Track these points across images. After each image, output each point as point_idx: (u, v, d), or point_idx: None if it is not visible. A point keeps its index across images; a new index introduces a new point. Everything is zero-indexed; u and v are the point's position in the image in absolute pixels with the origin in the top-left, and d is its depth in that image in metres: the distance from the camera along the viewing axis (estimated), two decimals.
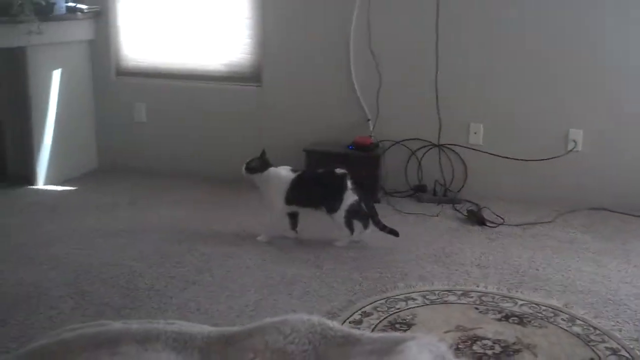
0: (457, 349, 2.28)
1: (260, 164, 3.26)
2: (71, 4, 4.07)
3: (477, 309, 2.60)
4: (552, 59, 3.78)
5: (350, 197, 3.18)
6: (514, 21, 3.79)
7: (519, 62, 3.83)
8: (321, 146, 4.03)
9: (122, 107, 4.49)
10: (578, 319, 2.52)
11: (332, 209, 3.19)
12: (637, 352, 2.29)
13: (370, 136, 4.01)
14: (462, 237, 3.39)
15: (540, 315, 2.55)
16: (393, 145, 4.05)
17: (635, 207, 3.72)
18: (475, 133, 3.95)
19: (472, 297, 2.70)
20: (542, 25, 3.76)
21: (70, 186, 4.15)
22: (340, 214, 3.19)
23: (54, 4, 3.87)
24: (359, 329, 2.36)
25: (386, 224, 3.24)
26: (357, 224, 3.26)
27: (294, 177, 3.25)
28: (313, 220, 3.31)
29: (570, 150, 3.82)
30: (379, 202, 3.88)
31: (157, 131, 4.45)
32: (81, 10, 4.12)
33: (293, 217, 3.32)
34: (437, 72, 3.89)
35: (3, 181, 4.12)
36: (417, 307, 2.61)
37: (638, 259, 3.14)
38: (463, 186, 3.99)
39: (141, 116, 4.48)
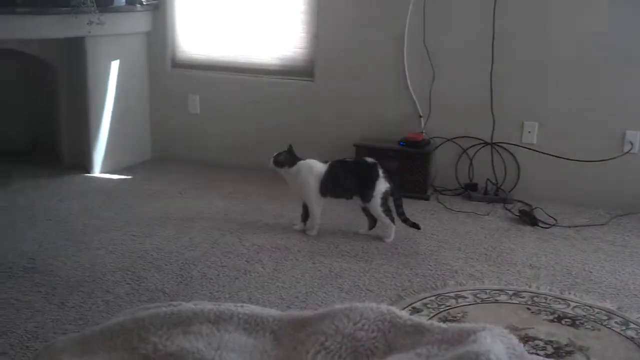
0: None
1: (288, 158, 3.25)
2: None
3: (529, 309, 2.57)
4: (610, 58, 3.69)
5: (382, 185, 3.17)
6: (572, 19, 3.72)
7: (576, 61, 3.75)
8: (372, 141, 4.02)
9: (176, 98, 4.56)
10: (632, 323, 2.47)
11: (366, 197, 3.18)
12: None
13: (422, 132, 3.99)
14: (513, 237, 3.35)
15: (593, 317, 2.51)
16: (445, 142, 4.02)
17: None
18: (529, 132, 3.90)
19: (523, 297, 2.67)
20: (601, 24, 3.67)
21: (125, 175, 4.24)
22: (376, 202, 3.17)
23: None
24: None
25: (432, 220, 3.23)
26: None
27: (327, 168, 3.24)
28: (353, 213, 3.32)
29: (627, 152, 3.73)
30: (428, 199, 3.87)
31: (210, 123, 4.52)
32: (140, 2, 4.20)
33: (305, 209, 3.32)
34: (492, 69, 3.84)
35: (61, 169, 4.24)
36: (468, 305, 2.59)
37: None
38: (515, 186, 3.94)
39: (195, 108, 4.55)
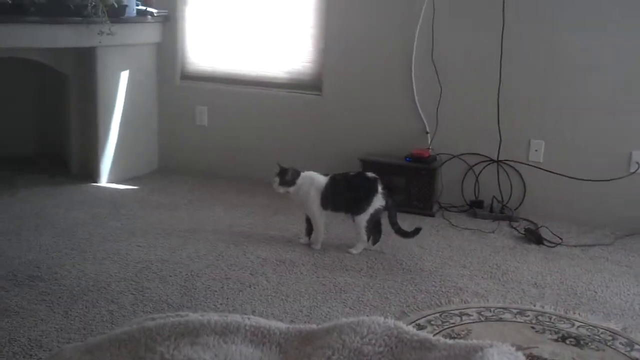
0: None
1: (293, 174, 3.21)
2: (141, 8, 4.18)
3: (533, 328, 2.56)
4: (617, 77, 3.70)
5: (378, 202, 3.18)
6: (579, 39, 3.73)
7: (583, 80, 3.76)
8: (378, 156, 4.03)
9: (184, 110, 4.59)
10: (636, 344, 2.46)
11: (357, 210, 3.18)
12: None
13: (429, 149, 4.00)
14: (518, 255, 3.34)
15: (597, 338, 2.50)
16: (451, 159, 4.02)
17: None
18: (536, 150, 3.90)
19: (528, 315, 2.66)
20: (608, 44, 3.69)
21: (132, 185, 4.26)
22: (364, 217, 3.18)
23: (125, 6, 3.99)
24: None
25: (437, 237, 3.22)
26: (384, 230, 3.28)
27: (327, 181, 3.24)
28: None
29: (634, 172, 3.73)
30: (433, 215, 3.87)
31: (217, 135, 4.54)
32: (151, 13, 4.23)
33: (309, 222, 3.32)
34: (499, 87, 3.85)
35: (68, 178, 4.26)
36: (472, 323, 2.59)
37: None
38: (521, 204, 3.94)
39: (203, 119, 4.57)
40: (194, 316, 1.45)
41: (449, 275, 3.05)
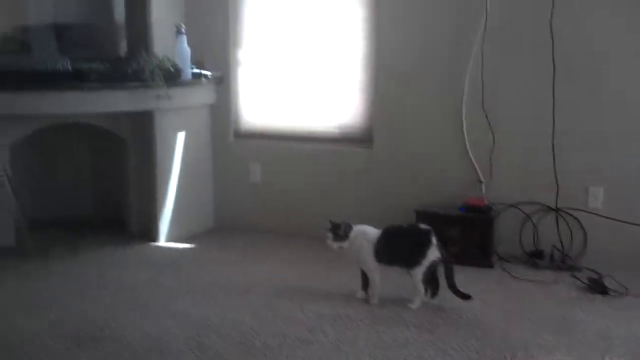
0: None
1: (345, 229, 3.21)
2: (196, 71, 4.32)
3: None
4: None
5: (433, 254, 3.13)
6: (635, 80, 3.68)
7: None
8: (432, 207, 4.00)
9: (238, 167, 4.67)
10: None
11: (412, 263, 3.13)
12: None
13: (484, 198, 3.95)
14: (583, 307, 3.23)
15: None
16: (507, 208, 3.96)
17: None
18: (594, 197, 3.81)
19: None
20: None
21: (189, 243, 4.32)
22: (420, 270, 3.13)
23: (181, 70, 4.12)
24: None
25: (497, 289, 3.15)
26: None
27: (380, 234, 3.22)
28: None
29: None
30: (492, 267, 3.80)
31: (271, 191, 4.59)
32: (205, 76, 4.36)
33: (365, 276, 3.29)
34: (553, 133, 3.81)
35: (127, 238, 4.35)
36: None
37: None
38: (582, 253, 3.83)
39: (256, 176, 4.64)
40: None
41: (513, 329, 2.97)
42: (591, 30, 3.74)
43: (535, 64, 3.86)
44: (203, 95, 4.49)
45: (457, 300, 3.21)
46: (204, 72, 4.38)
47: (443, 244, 3.19)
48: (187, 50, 4.21)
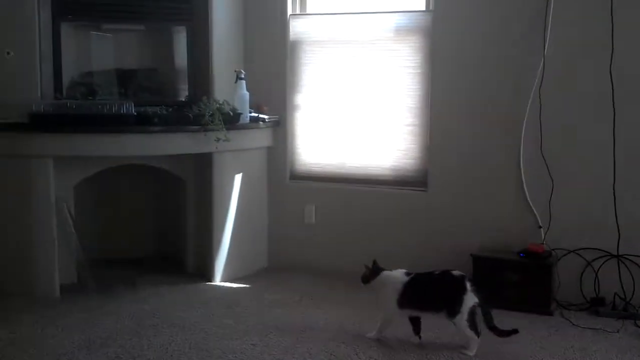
0: None
1: (372, 271, 3.31)
2: (254, 115, 4.42)
3: None
4: None
5: (470, 300, 3.10)
6: None
7: None
8: (489, 252, 3.96)
9: (293, 208, 4.71)
10: None
11: (452, 312, 3.11)
12: None
13: (543, 244, 3.88)
14: None
15: None
16: (567, 254, 3.88)
17: None
18: None
19: None
20: None
21: (244, 283, 4.36)
22: (463, 317, 3.10)
23: (240, 114, 4.23)
24: None
25: (557, 337, 3.06)
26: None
27: (407, 280, 3.24)
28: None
29: None
30: (551, 314, 3.71)
31: (325, 232, 4.61)
32: (263, 119, 4.46)
33: (415, 322, 3.28)
34: (614, 178, 3.74)
35: (184, 277, 4.42)
36: None
37: None
38: None
39: (310, 218, 4.67)
40: None
41: None
42: None
43: (594, 108, 3.82)
44: (260, 138, 4.58)
45: (517, 348, 3.14)
46: (261, 115, 4.48)
47: (479, 288, 3.16)
48: (246, 94, 4.32)
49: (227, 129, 4.07)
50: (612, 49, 3.70)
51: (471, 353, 3.14)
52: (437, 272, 3.25)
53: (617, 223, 3.75)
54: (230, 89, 4.34)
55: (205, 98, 4.19)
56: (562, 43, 3.87)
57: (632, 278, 3.75)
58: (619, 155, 3.73)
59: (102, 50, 4.62)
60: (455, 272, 3.20)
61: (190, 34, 4.44)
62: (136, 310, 3.80)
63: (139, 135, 4.00)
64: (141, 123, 3.99)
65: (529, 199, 3.99)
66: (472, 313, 3.11)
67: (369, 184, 4.52)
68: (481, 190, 4.14)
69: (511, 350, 3.16)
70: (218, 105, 4.12)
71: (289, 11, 4.64)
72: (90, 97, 4.15)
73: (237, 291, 4.23)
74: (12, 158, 3.94)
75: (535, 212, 3.97)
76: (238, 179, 4.44)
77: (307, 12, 4.71)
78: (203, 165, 4.31)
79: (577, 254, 3.87)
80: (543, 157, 3.91)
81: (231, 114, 4.16)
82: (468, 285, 3.13)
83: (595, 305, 3.76)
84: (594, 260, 3.84)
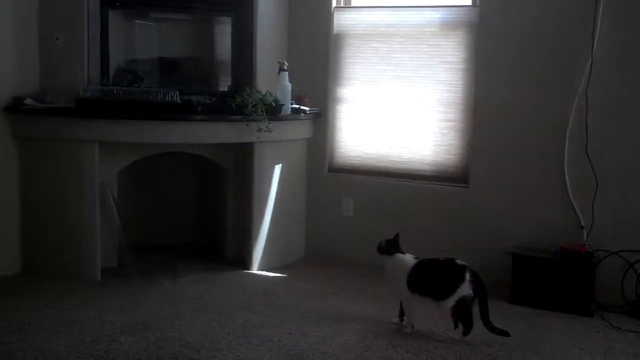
0: None
1: (388, 246, 3.39)
2: (296, 106, 4.44)
3: None
4: None
5: (464, 290, 3.14)
6: None
7: None
8: (528, 250, 3.92)
9: (331, 200, 4.73)
10: None
11: (441, 296, 3.17)
12: None
13: (585, 244, 3.83)
14: None
15: None
16: (608, 255, 3.82)
17: None
18: None
19: None
20: None
21: (281, 273, 4.39)
22: (449, 303, 3.16)
23: (282, 105, 4.25)
24: None
25: (597, 339, 3.04)
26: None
27: (415, 264, 3.30)
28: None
29: None
30: (591, 316, 3.66)
31: (363, 225, 4.61)
32: (304, 111, 4.47)
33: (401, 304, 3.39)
34: None
35: (223, 264, 4.47)
36: None
37: None
38: None
39: (348, 210, 4.69)
40: None
41: None
42: None
43: None
44: (301, 130, 4.60)
45: (556, 349, 3.11)
46: (303, 107, 4.49)
47: (477, 281, 3.18)
48: (289, 86, 4.35)
49: (269, 120, 4.10)
50: None
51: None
52: (441, 259, 3.32)
53: None
54: (273, 80, 4.36)
55: (248, 88, 4.22)
56: (611, 43, 3.80)
57: None
58: None
59: (147, 38, 4.69)
60: (459, 261, 3.25)
61: (234, 25, 4.48)
62: (176, 295, 3.86)
63: (182, 124, 4.05)
64: (185, 111, 4.04)
65: (572, 198, 3.94)
66: (461, 302, 3.16)
67: (408, 178, 4.51)
68: (523, 188, 4.10)
69: (550, 351, 3.14)
70: (261, 96, 4.15)
71: (334, 4, 4.65)
72: (135, 85, 4.21)
73: (274, 280, 4.27)
74: (59, 142, 4.02)
75: (577, 211, 3.92)
76: (278, 169, 4.47)
77: (352, 5, 4.71)
78: (244, 154, 4.35)
79: (619, 255, 3.81)
80: (588, 157, 3.86)
81: (273, 104, 4.18)
82: (467, 275, 3.17)
83: (637, 308, 3.70)
84: (635, 262, 3.78)
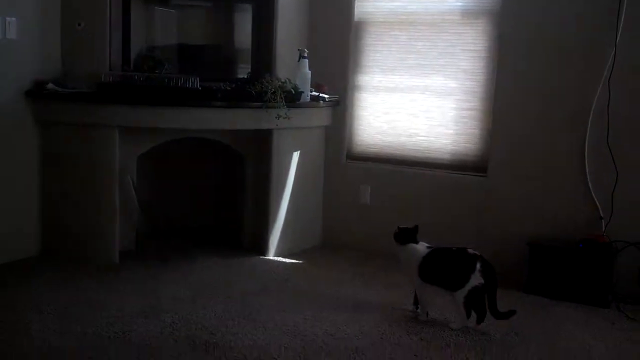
0: None
1: (404, 235, 3.40)
2: (315, 94, 4.44)
3: None
4: None
5: (475, 280, 3.15)
6: None
7: None
8: (546, 241, 3.90)
9: (348, 188, 4.74)
10: None
11: (454, 286, 3.19)
12: None
13: (603, 235, 3.80)
14: None
15: None
16: (627, 246, 3.79)
17: None
18: None
19: None
20: None
21: (297, 259, 4.41)
22: (462, 293, 3.17)
23: (301, 92, 4.25)
24: None
25: (613, 330, 3.02)
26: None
27: (426, 253, 3.31)
28: None
29: None
30: (608, 306, 3.64)
31: (379, 213, 4.61)
32: (323, 99, 4.47)
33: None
34: None
35: (239, 250, 4.50)
36: None
37: None
38: None
39: (365, 198, 4.69)
40: None
41: None
42: None
43: None
44: (320, 117, 4.61)
45: (571, 338, 3.10)
46: (322, 95, 4.49)
47: (488, 270, 3.19)
48: (308, 73, 4.34)
49: (288, 107, 4.11)
50: None
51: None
52: (454, 249, 3.33)
53: None
54: (292, 68, 4.37)
55: (267, 75, 4.23)
56: (636, 32, 3.75)
57: None
58: None
59: (168, 25, 4.70)
60: (470, 251, 3.26)
61: (255, 12, 4.49)
62: (193, 280, 3.90)
63: (202, 110, 4.07)
64: (205, 98, 4.06)
65: (591, 189, 3.91)
66: (473, 292, 3.17)
67: (426, 167, 4.50)
68: (542, 178, 4.08)
69: (565, 341, 3.13)
70: (280, 83, 4.16)
71: None
72: (156, 71, 4.23)
73: (290, 267, 4.29)
74: (80, 127, 4.06)
75: (597, 202, 3.89)
76: (296, 156, 4.49)
77: None
78: (262, 141, 4.37)
79: (638, 247, 3.77)
80: (609, 147, 3.82)
81: (293, 92, 4.19)
82: (478, 265, 3.17)
83: None
84: None
